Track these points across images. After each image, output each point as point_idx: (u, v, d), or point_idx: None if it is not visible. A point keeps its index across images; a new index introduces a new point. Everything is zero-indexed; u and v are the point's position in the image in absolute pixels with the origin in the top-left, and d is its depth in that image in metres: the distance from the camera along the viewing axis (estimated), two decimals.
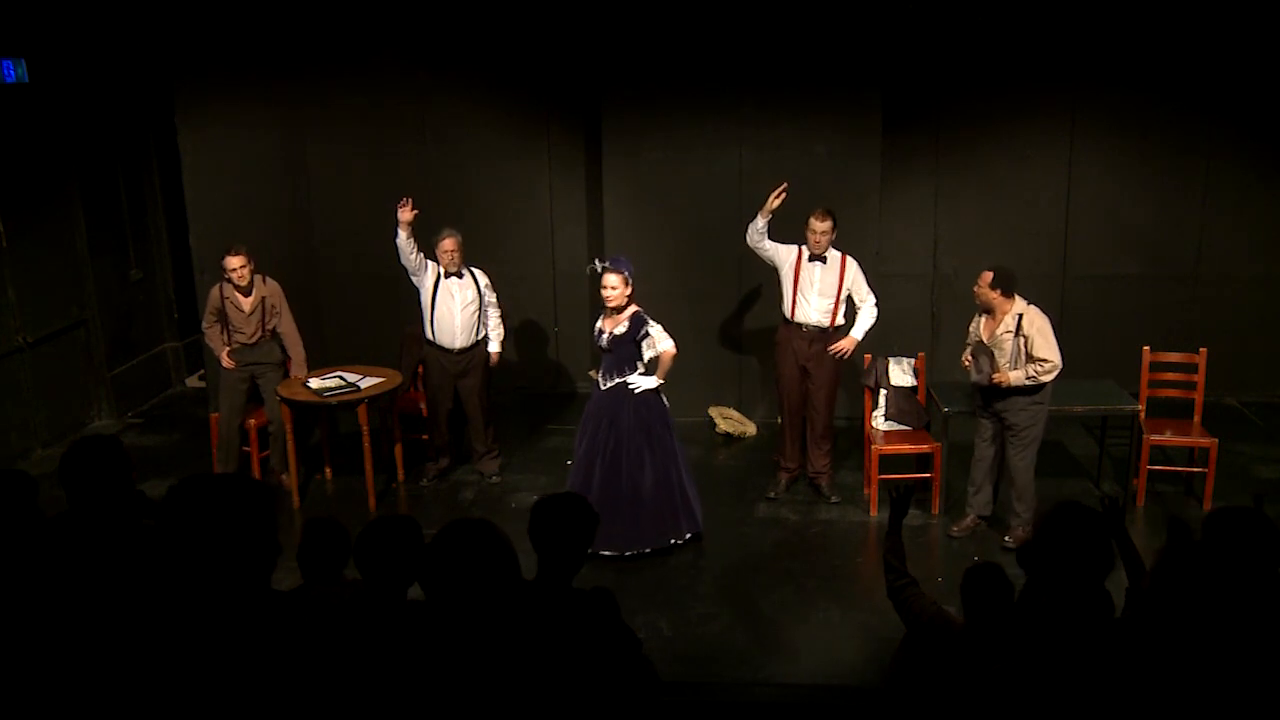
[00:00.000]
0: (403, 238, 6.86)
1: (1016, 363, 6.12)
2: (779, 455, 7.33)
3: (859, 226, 8.13)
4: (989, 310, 6.28)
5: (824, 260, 6.81)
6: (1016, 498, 6.38)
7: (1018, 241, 8.52)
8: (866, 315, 6.93)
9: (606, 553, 6.19)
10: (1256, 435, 8.07)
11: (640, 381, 6.26)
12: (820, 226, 6.73)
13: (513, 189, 8.82)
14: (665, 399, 6.41)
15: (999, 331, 6.19)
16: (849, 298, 6.92)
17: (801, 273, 6.83)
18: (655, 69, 8.05)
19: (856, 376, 7.41)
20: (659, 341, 6.26)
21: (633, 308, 6.27)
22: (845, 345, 6.89)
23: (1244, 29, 8.16)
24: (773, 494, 7.22)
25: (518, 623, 2.81)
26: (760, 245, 6.92)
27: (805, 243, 6.81)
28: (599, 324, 6.38)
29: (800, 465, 7.25)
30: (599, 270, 6.34)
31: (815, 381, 6.99)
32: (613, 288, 6.22)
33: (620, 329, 6.24)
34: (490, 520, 2.83)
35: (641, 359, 6.29)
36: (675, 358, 6.32)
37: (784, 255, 6.89)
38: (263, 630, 2.42)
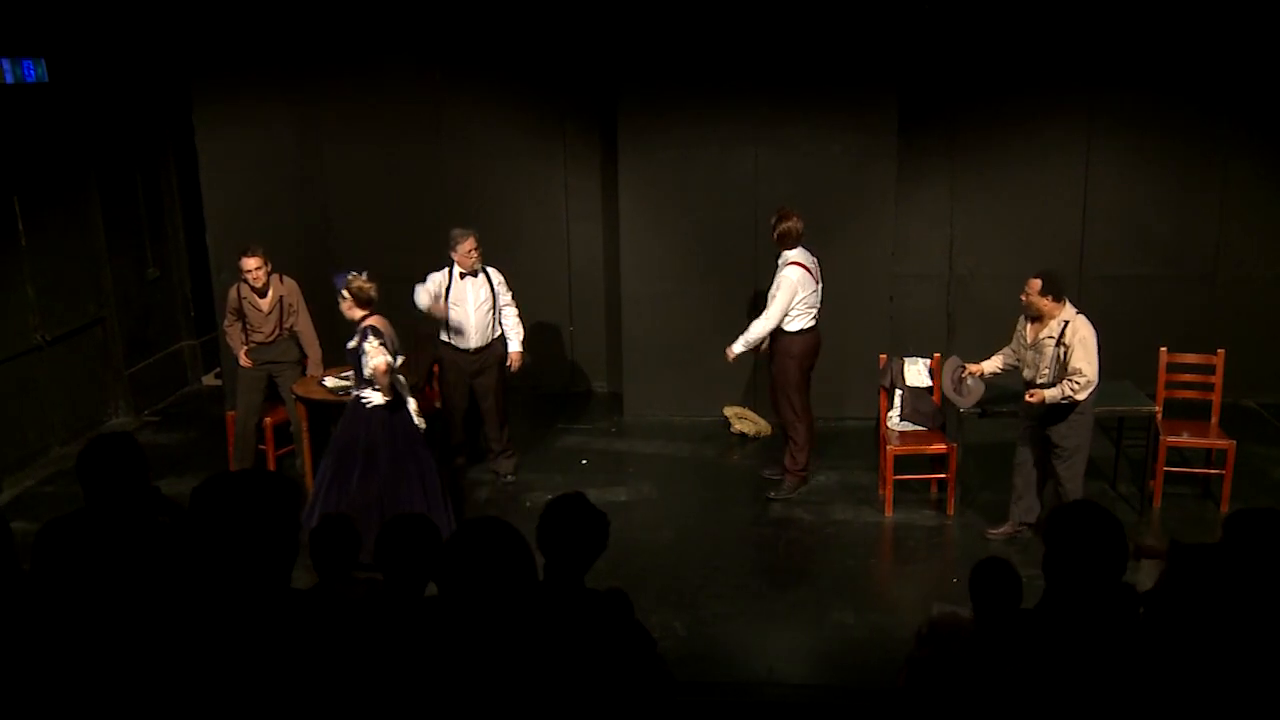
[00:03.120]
0: (424, 304, 6.92)
1: (1054, 370, 6.02)
2: None
3: (874, 226, 8.14)
4: (1037, 316, 6.13)
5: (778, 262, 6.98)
6: None
7: (1034, 242, 8.48)
8: (754, 325, 6.95)
9: None
10: (1275, 437, 8.01)
11: (370, 395, 5.95)
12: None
13: (528, 187, 8.83)
14: (419, 420, 6.08)
15: (1042, 336, 6.08)
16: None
17: None
18: (671, 68, 8.05)
19: (874, 376, 7.41)
20: (370, 358, 5.83)
21: (367, 322, 5.93)
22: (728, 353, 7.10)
23: (1263, 29, 8.10)
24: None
25: (534, 623, 2.81)
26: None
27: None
28: None
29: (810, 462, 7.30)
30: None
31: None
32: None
33: (353, 341, 6.00)
34: (505, 519, 2.84)
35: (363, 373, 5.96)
36: (389, 372, 5.86)
37: None
38: (282, 628, 2.43)
